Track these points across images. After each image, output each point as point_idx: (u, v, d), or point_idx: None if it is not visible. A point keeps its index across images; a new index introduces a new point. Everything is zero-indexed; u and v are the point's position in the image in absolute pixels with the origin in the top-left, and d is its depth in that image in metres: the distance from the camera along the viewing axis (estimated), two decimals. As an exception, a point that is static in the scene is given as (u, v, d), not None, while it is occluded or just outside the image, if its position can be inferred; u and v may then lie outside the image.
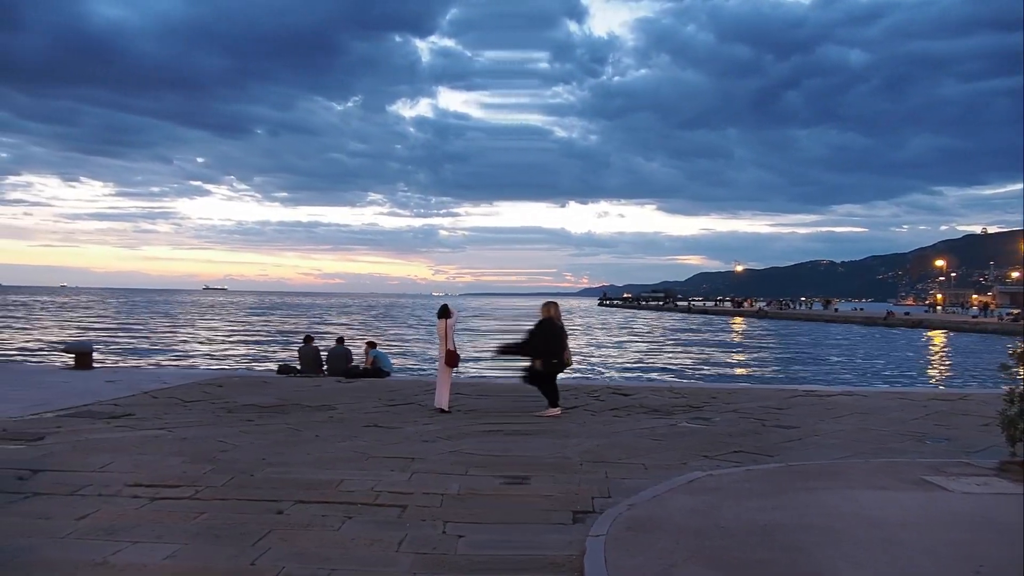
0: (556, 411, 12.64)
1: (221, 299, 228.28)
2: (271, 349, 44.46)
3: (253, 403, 13.37)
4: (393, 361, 23.86)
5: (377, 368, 19.10)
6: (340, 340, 20.85)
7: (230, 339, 53.74)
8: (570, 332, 13.55)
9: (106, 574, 5.20)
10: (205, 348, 45.32)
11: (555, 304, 13.30)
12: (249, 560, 5.51)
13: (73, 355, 18.91)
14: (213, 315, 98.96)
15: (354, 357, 20.22)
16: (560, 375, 13.12)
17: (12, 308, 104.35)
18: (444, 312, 13.40)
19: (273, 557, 5.59)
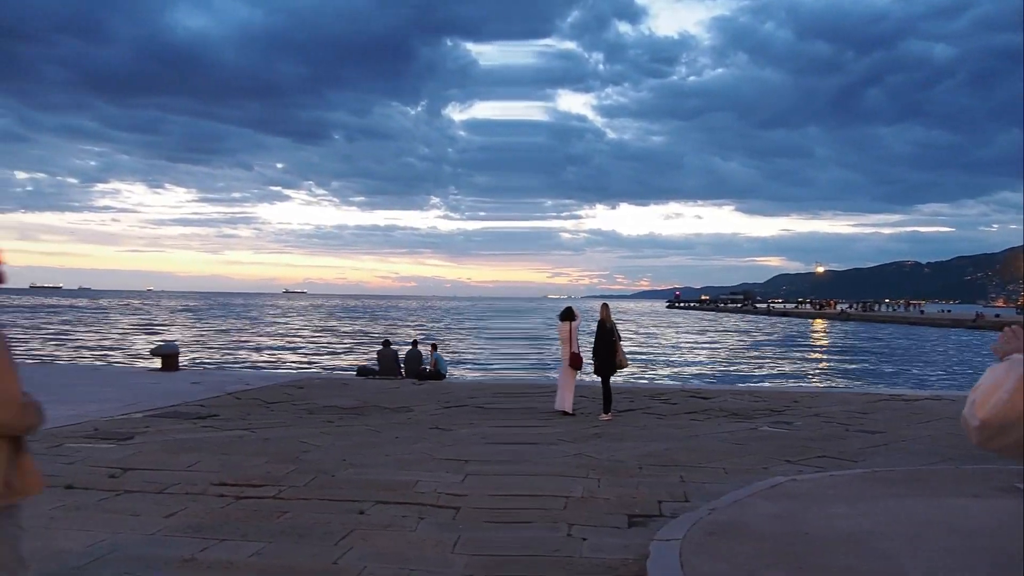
0: (605, 416, 12.50)
1: (301, 303, 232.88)
2: (357, 351, 45.22)
3: (333, 405, 13.60)
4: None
5: (436, 371, 19.43)
6: (415, 343, 21.17)
7: (310, 342, 54.84)
8: (633, 335, 13.40)
9: (194, 570, 5.34)
10: (286, 350, 46.34)
11: (604, 306, 13.27)
12: (332, 559, 5.59)
13: (160, 357, 19.51)
14: (293, 318, 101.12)
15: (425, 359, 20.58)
16: (615, 378, 12.98)
17: (102, 312, 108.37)
18: (568, 315, 13.45)
19: (355, 556, 5.65)
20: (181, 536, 6.07)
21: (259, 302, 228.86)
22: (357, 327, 78.97)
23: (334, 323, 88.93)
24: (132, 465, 8.44)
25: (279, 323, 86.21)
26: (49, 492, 7.16)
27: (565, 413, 12.77)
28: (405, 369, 19.92)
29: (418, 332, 61.61)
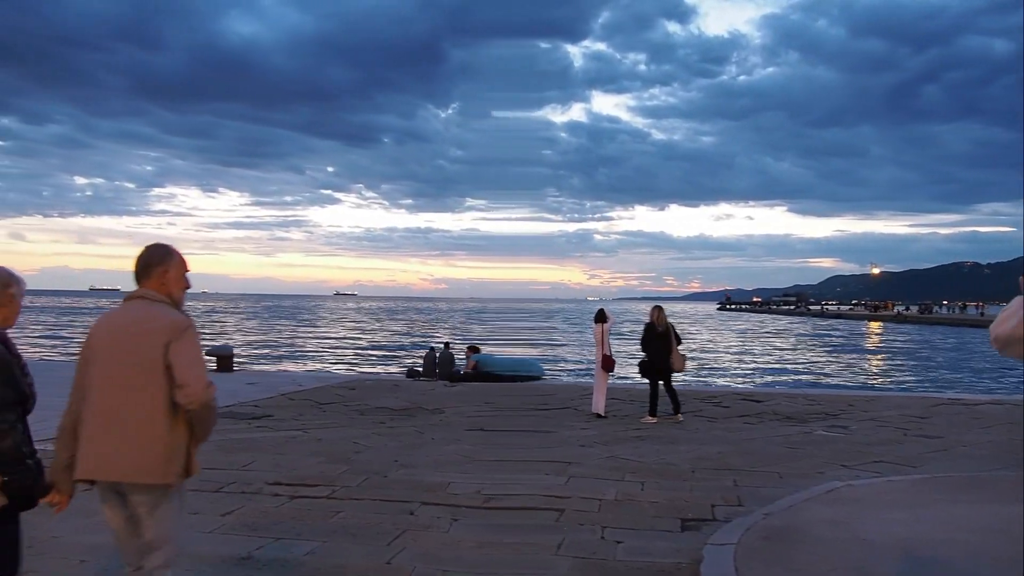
0: (650, 419, 12.36)
1: (351, 304, 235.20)
2: (405, 352, 45.60)
3: (384, 406, 13.72)
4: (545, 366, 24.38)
5: (480, 371, 19.49)
6: (447, 345, 21.39)
7: (361, 343, 55.38)
8: (685, 338, 13.26)
9: (251, 568, 5.42)
10: (338, 352, 46.86)
11: (657, 308, 13.15)
12: (385, 559, 5.64)
13: (215, 358, 19.85)
14: (344, 320, 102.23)
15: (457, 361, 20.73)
16: (672, 380, 12.85)
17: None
18: (601, 317, 13.44)
19: (407, 557, 5.70)
20: (237, 534, 6.17)
21: (310, 304, 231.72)
22: (405, 328, 79.55)
23: (384, 324, 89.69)
24: None
25: (330, 325, 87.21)
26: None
27: (598, 416, 12.73)
28: (439, 371, 20.05)
29: (449, 335, 61.85)
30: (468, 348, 21.53)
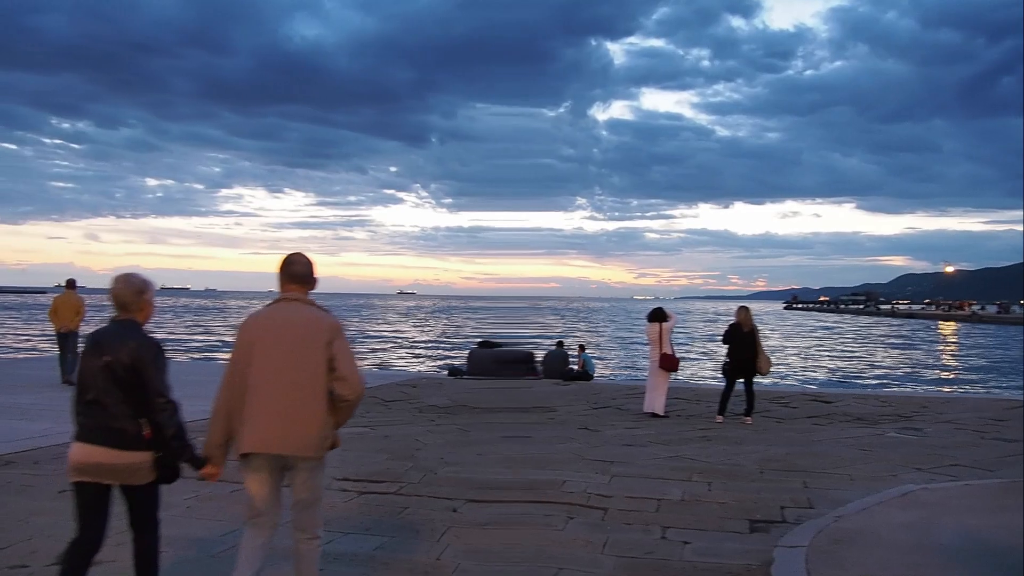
0: (719, 419, 12.30)
1: (411, 303, 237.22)
2: (456, 350, 45.89)
3: (434, 404, 13.88)
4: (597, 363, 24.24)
5: (584, 371, 19.36)
6: (559, 343, 21.26)
7: (420, 341, 55.89)
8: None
9: (321, 563, 5.49)
10: (400, 349, 47.36)
11: (743, 308, 12.96)
12: (435, 555, 5.72)
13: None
14: (407, 318, 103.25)
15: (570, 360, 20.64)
16: (752, 382, 12.66)
17: (229, 312, 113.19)
18: (658, 315, 13.33)
19: (451, 553, 5.76)
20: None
21: (375, 302, 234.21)
22: (461, 326, 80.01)
23: (442, 321, 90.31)
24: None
25: (393, 323, 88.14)
26: (184, 483, 7.51)
27: (655, 415, 12.63)
28: (546, 369, 19.85)
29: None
30: (579, 347, 21.31)
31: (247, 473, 4.24)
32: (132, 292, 4.22)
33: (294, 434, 4.12)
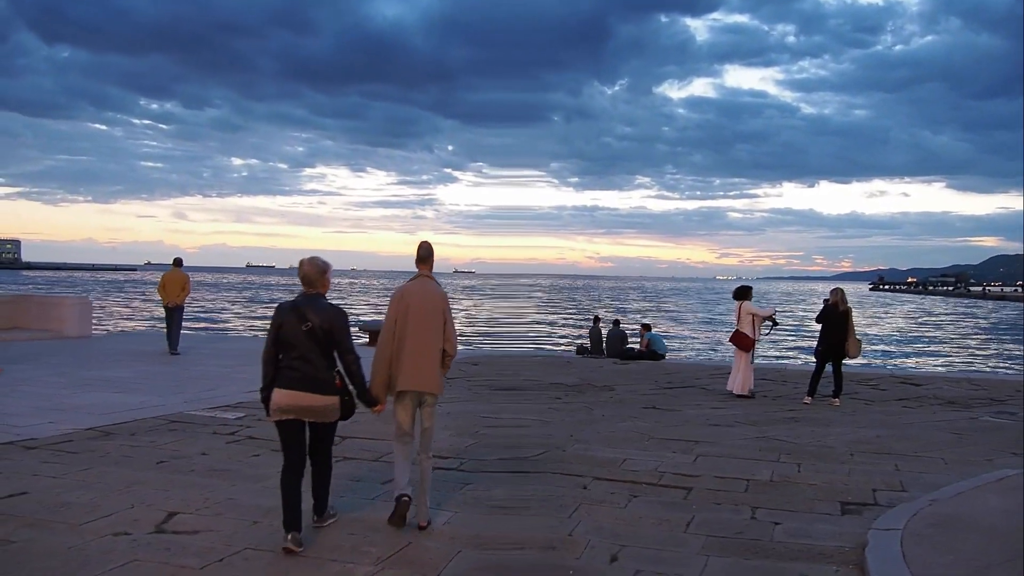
0: (807, 399, 12.25)
1: (470, 282, 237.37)
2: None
3: (488, 381, 14.01)
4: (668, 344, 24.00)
5: (652, 351, 19.23)
6: (616, 323, 21.21)
7: (480, 320, 56.29)
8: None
9: (433, 539, 5.67)
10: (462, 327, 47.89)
11: (838, 289, 12.77)
12: (566, 532, 5.84)
13: (367, 333, 20.47)
14: (467, 296, 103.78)
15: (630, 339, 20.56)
16: (841, 364, 12.51)
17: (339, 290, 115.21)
18: (739, 294, 13.25)
19: (582, 530, 5.88)
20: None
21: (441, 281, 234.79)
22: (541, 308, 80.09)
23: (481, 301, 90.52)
24: (351, 434, 8.71)
25: (459, 301, 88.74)
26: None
27: (740, 396, 12.60)
28: (607, 348, 19.93)
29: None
30: (642, 326, 21.20)
31: (398, 405, 5.82)
32: (317, 272, 5.44)
33: (428, 377, 5.72)
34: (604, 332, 20.55)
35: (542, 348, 32.78)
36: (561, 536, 5.73)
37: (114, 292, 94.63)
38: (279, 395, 5.25)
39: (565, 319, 59.97)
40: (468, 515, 6.21)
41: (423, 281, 5.83)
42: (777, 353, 32.74)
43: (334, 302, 5.55)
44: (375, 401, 5.68)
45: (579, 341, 25.32)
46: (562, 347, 32.75)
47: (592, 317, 22.05)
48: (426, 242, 5.96)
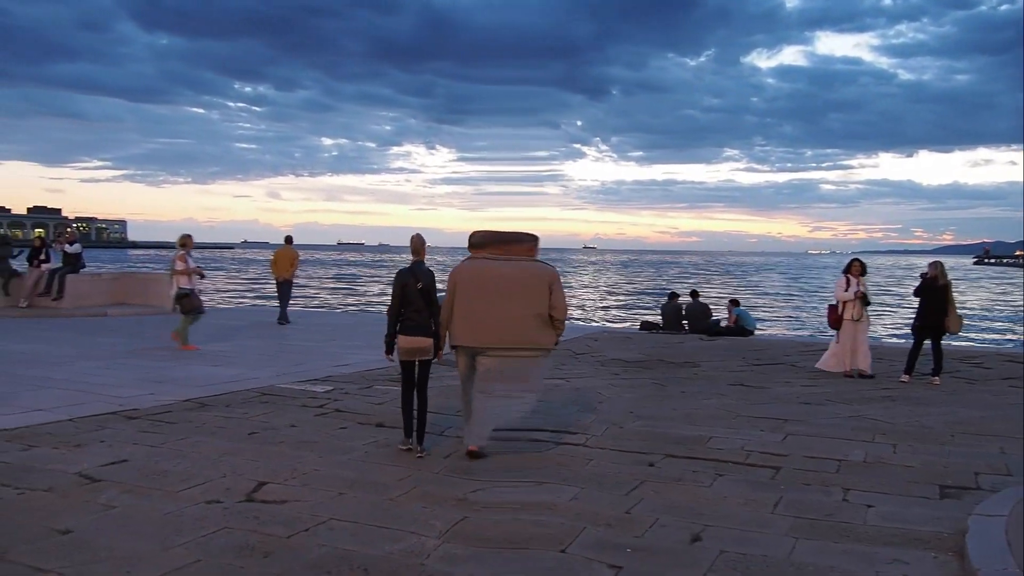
0: (905, 378, 11.83)
1: (593, 258, 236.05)
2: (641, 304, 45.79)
3: (620, 358, 13.90)
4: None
5: (740, 327, 18.81)
6: (694, 294, 20.65)
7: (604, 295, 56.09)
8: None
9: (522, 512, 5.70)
10: (587, 304, 47.85)
11: (937, 263, 12.24)
12: (625, 508, 5.78)
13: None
14: (589, 272, 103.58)
15: (714, 314, 20.10)
16: (941, 341, 12.00)
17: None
18: (847, 268, 12.86)
19: (646, 507, 5.80)
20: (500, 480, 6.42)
21: (564, 257, 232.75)
22: (641, 282, 79.46)
23: (624, 276, 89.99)
24: (436, 409, 8.46)
25: (579, 277, 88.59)
26: (362, 429, 8.10)
27: (848, 374, 12.28)
28: (690, 323, 19.49)
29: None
30: (730, 301, 20.71)
31: (459, 356, 7.15)
32: (420, 244, 7.17)
33: (493, 332, 6.87)
34: (683, 307, 19.92)
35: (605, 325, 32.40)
36: (618, 514, 5.64)
37: (213, 268, 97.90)
38: (403, 340, 7.00)
39: (627, 297, 58.91)
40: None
41: (493, 260, 7.08)
42: (876, 330, 31.62)
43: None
44: (440, 348, 7.23)
45: (646, 317, 24.67)
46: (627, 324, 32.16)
47: (668, 293, 21.42)
48: (475, 232, 7.23)
